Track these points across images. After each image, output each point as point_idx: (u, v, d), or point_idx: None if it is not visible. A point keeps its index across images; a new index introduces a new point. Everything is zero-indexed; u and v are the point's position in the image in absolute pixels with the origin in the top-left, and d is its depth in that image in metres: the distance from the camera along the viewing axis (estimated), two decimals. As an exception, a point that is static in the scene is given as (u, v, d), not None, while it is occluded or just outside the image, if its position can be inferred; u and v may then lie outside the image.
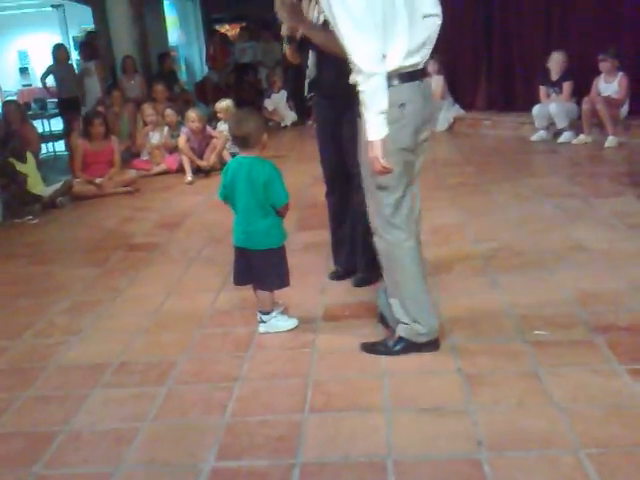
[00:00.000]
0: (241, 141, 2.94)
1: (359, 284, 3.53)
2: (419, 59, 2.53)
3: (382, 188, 2.59)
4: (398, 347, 2.76)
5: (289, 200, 2.97)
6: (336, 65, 2.96)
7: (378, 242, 2.72)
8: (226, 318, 3.32)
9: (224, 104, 7.43)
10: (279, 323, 3.09)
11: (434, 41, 2.58)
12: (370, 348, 2.82)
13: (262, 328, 3.10)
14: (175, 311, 3.48)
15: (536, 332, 2.83)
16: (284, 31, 3.26)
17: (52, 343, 3.22)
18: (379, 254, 2.75)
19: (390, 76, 2.42)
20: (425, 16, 2.53)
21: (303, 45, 3.24)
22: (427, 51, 2.57)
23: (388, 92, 2.38)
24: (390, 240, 2.67)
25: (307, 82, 3.28)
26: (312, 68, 3.23)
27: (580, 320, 2.91)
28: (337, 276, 3.66)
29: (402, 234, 2.66)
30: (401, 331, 2.76)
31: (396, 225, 2.64)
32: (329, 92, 3.24)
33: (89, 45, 9.88)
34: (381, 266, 2.77)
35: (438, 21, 2.57)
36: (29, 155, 6.18)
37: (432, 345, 2.76)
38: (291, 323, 3.11)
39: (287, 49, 3.35)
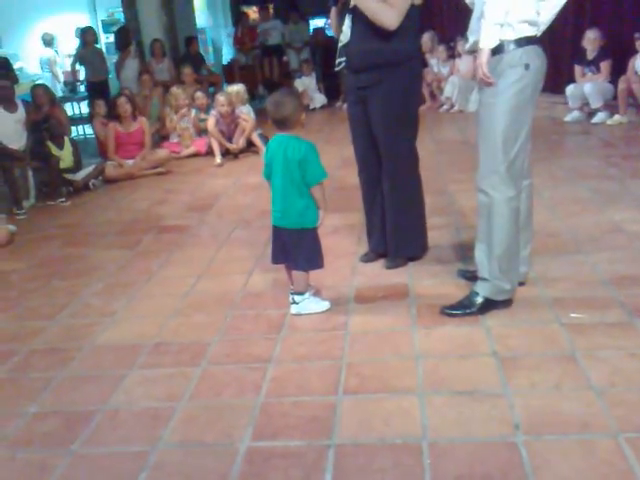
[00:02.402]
0: (280, 123, 2.94)
1: (390, 266, 3.51)
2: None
3: (503, 141, 2.69)
4: (478, 306, 2.87)
5: (325, 179, 2.95)
6: (367, 35, 3.12)
7: (482, 197, 2.81)
8: (258, 300, 3.33)
9: (235, 88, 7.46)
10: (311, 305, 3.09)
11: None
12: (449, 312, 2.91)
13: (294, 310, 3.10)
14: (207, 293, 3.50)
15: (572, 315, 2.79)
16: None
17: (87, 324, 3.26)
18: (479, 209, 2.85)
19: (518, 40, 2.63)
20: None
21: (343, 10, 3.25)
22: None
23: (514, 53, 2.62)
24: (496, 196, 2.75)
25: (339, 46, 3.27)
26: (346, 33, 3.22)
27: (617, 303, 2.86)
28: (368, 259, 3.66)
29: (510, 190, 2.74)
30: (481, 289, 2.87)
31: (505, 181, 2.73)
32: (358, 63, 3.24)
33: (126, 31, 9.81)
34: (480, 220, 2.86)
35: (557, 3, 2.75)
36: (67, 140, 6.24)
37: (508, 302, 2.89)
38: (324, 305, 3.11)
39: (332, 11, 3.38)
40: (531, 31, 2.67)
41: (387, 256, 3.57)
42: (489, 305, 2.87)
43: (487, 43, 2.64)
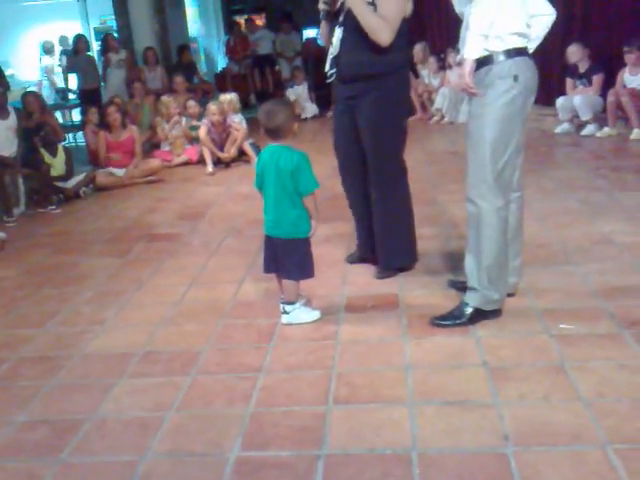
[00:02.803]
0: (272, 133, 2.95)
1: (380, 277, 3.52)
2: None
3: (491, 152, 2.71)
4: (467, 316, 2.88)
5: (317, 188, 2.96)
6: (357, 47, 3.18)
7: (471, 207, 2.82)
8: (248, 309, 3.33)
9: (228, 97, 7.49)
10: (302, 315, 3.09)
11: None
12: (438, 323, 2.91)
13: (285, 319, 3.10)
14: (198, 301, 3.49)
15: (562, 326, 2.81)
16: (322, 5, 3.32)
17: (77, 332, 3.25)
18: (468, 219, 2.87)
19: (507, 51, 2.67)
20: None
21: (332, 22, 3.31)
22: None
23: (504, 65, 2.65)
24: (484, 207, 2.76)
25: (330, 58, 3.31)
26: (336, 44, 3.27)
27: (606, 314, 2.88)
28: (352, 259, 3.77)
29: (498, 200, 2.76)
30: (470, 300, 2.88)
31: (494, 190, 2.74)
32: (347, 73, 3.28)
33: (113, 37, 9.90)
34: (469, 230, 2.88)
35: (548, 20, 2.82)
36: (60, 148, 6.23)
37: (498, 312, 2.91)
38: (314, 315, 3.11)
39: (322, 24, 3.43)
40: (521, 43, 2.70)
41: (377, 265, 3.58)
42: (479, 315, 2.88)
43: (471, 53, 2.67)
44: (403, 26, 3.22)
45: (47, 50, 12.41)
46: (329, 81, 3.39)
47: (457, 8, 2.88)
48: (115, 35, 10.61)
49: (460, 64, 2.82)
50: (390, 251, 3.52)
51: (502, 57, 2.67)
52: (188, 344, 3.00)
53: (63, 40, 13.07)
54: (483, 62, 2.69)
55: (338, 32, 3.25)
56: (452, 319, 2.91)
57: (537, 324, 2.86)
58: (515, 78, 2.67)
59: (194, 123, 7.42)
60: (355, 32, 3.18)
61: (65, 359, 2.96)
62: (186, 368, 2.77)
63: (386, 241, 3.50)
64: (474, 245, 2.85)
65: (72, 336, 3.20)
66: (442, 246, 3.96)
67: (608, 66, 6.84)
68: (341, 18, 3.24)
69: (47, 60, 12.35)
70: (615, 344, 2.63)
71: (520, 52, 2.70)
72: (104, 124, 6.65)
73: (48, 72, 12.34)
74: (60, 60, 12.74)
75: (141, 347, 3.01)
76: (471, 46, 2.66)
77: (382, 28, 3.13)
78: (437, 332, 2.87)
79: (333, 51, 3.28)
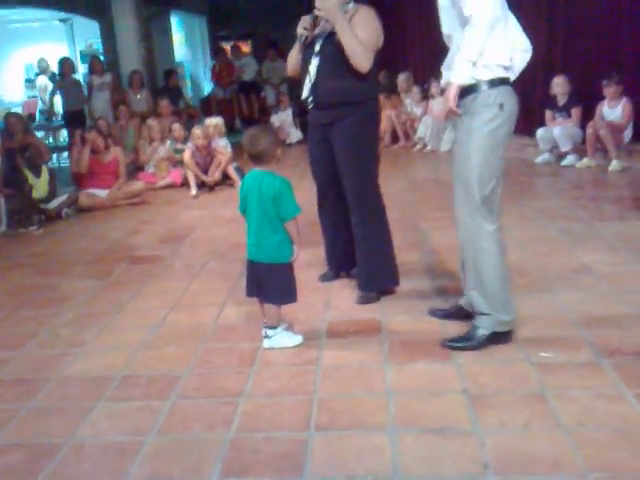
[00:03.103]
0: (256, 158, 2.97)
1: (362, 302, 3.54)
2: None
3: (479, 179, 2.76)
4: (479, 339, 2.88)
5: (298, 214, 2.98)
6: (335, 73, 3.30)
7: (464, 234, 2.85)
8: (230, 333, 3.31)
9: (214, 121, 7.55)
10: (284, 339, 3.09)
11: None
12: (450, 345, 2.90)
13: (267, 344, 3.09)
14: (179, 325, 3.47)
15: (542, 354, 2.83)
16: (301, 30, 3.41)
17: (55, 355, 3.21)
18: (463, 247, 2.89)
19: (492, 80, 2.74)
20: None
21: (307, 52, 3.42)
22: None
23: (490, 93, 2.72)
24: (477, 232, 2.79)
25: (307, 85, 3.40)
26: (313, 73, 3.36)
27: (585, 343, 2.90)
28: (326, 278, 3.86)
29: (490, 225, 2.80)
30: (481, 323, 2.88)
31: (484, 215, 2.78)
32: (325, 100, 3.37)
33: (98, 60, 9.96)
34: (467, 255, 2.89)
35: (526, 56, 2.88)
36: (44, 169, 6.20)
37: (509, 335, 2.92)
38: (296, 340, 3.11)
39: (295, 48, 3.50)
40: (505, 73, 2.77)
41: (359, 290, 3.60)
42: (491, 338, 2.88)
43: (458, 79, 2.72)
44: (375, 57, 3.36)
45: (43, 69, 12.45)
46: (308, 107, 3.46)
47: (445, 30, 2.91)
48: (101, 58, 10.67)
49: (444, 89, 2.86)
50: (372, 274, 3.56)
51: (487, 86, 2.73)
52: (168, 368, 2.97)
53: (42, 62, 13.14)
54: (469, 90, 2.75)
55: (314, 61, 3.36)
56: (463, 341, 2.91)
57: (518, 352, 2.88)
58: (501, 107, 2.74)
59: (179, 146, 7.44)
60: (332, 60, 3.30)
61: (43, 382, 2.92)
62: (165, 392, 2.75)
63: (368, 264, 3.55)
64: (474, 272, 2.87)
65: (50, 359, 3.16)
66: (425, 272, 3.98)
67: (587, 98, 6.99)
68: (317, 47, 3.36)
69: (42, 79, 12.38)
70: (594, 373, 2.65)
71: (504, 81, 2.77)
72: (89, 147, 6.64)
73: (40, 91, 12.37)
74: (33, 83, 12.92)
75: (120, 370, 2.97)
76: (460, 71, 2.71)
77: (364, 55, 3.25)
78: (418, 358, 2.88)
79: (310, 79, 3.38)
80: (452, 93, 2.74)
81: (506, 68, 2.77)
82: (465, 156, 2.79)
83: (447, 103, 2.78)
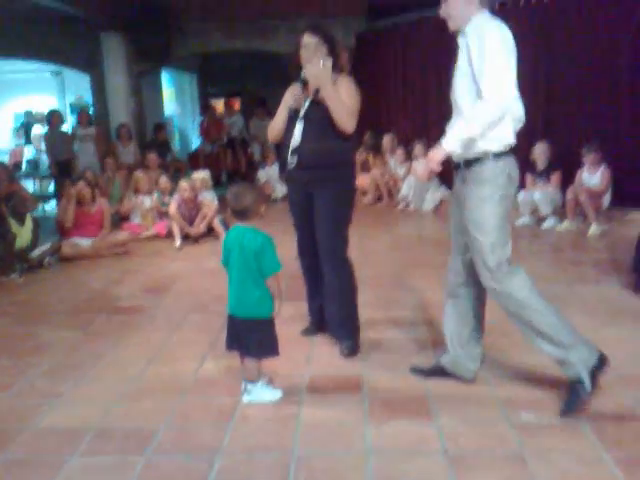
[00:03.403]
0: (239, 214, 3.01)
1: (347, 355, 3.58)
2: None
3: (496, 242, 2.81)
4: (586, 383, 2.78)
5: (280, 270, 3.00)
6: (319, 136, 3.45)
7: (498, 296, 2.86)
8: (209, 387, 3.28)
9: (201, 174, 7.65)
10: (264, 394, 3.06)
11: None
12: (567, 411, 2.80)
13: (246, 398, 3.06)
14: (158, 378, 3.43)
15: (522, 415, 2.83)
16: (291, 99, 3.53)
17: (31, 405, 3.14)
18: (505, 308, 2.88)
19: (500, 152, 2.81)
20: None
21: (293, 116, 3.54)
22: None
23: (497, 163, 2.78)
24: (509, 285, 2.81)
25: (291, 149, 3.51)
26: (297, 137, 3.49)
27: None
28: (308, 332, 3.91)
29: (514, 276, 2.82)
30: (572, 372, 2.80)
31: (505, 273, 2.81)
32: (309, 162, 3.48)
33: (86, 113, 10.15)
34: (511, 314, 2.88)
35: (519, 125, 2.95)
36: (28, 217, 6.18)
37: (604, 361, 2.82)
38: (276, 394, 3.08)
39: (281, 115, 3.59)
40: (511, 145, 2.85)
41: (341, 343, 3.65)
42: (593, 374, 2.79)
43: (449, 146, 2.76)
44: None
45: (37, 120, 12.64)
46: (290, 168, 3.55)
47: (456, 92, 2.91)
48: (89, 111, 10.86)
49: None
50: (351, 329, 3.67)
51: (496, 157, 2.80)
52: (145, 422, 2.93)
53: (28, 114, 13.35)
54: (477, 160, 2.81)
55: (299, 124, 3.49)
56: (575, 396, 2.81)
57: (498, 412, 2.88)
58: (509, 176, 2.83)
59: (166, 200, 7.49)
60: (317, 125, 3.46)
61: (16, 433, 2.86)
62: (141, 447, 2.70)
63: (345, 321, 3.66)
64: (529, 328, 2.84)
65: (26, 409, 3.10)
66: (408, 330, 3.99)
67: (568, 164, 7.17)
68: (302, 113, 3.50)
69: (37, 129, 12.56)
70: (574, 435, 2.66)
71: (510, 152, 2.85)
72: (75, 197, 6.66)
73: (35, 141, 12.53)
74: (18, 132, 13.09)
75: (96, 423, 2.92)
76: (454, 141, 2.74)
77: (350, 117, 3.43)
78: (399, 416, 2.86)
79: (294, 142, 3.50)
80: (438, 157, 2.77)
81: (512, 138, 2.86)
82: (479, 224, 2.83)
83: (430, 164, 2.81)
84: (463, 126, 2.74)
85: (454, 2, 2.85)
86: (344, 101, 3.42)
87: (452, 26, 2.90)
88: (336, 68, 3.50)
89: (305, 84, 3.48)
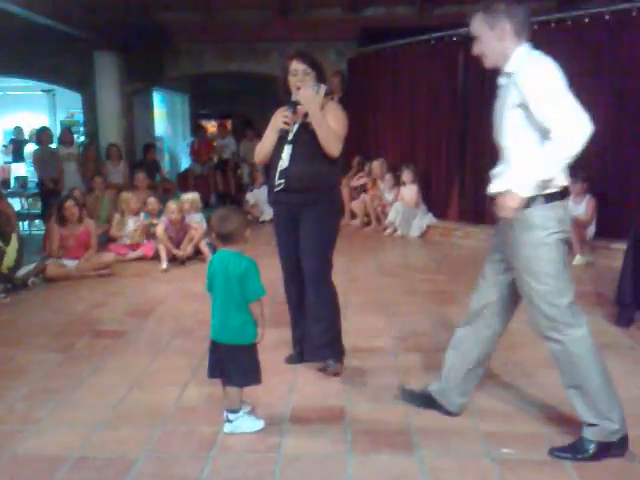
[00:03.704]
0: (225, 238, 3.01)
1: (334, 374, 3.65)
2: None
3: (556, 289, 2.68)
4: (591, 452, 2.71)
5: (263, 296, 2.99)
6: (308, 160, 3.51)
7: (554, 345, 2.74)
8: (191, 415, 3.25)
9: (190, 196, 7.65)
10: (245, 424, 3.03)
11: None
12: (556, 454, 2.76)
13: (227, 428, 3.03)
14: (138, 404, 3.39)
15: (504, 450, 2.82)
16: (280, 122, 3.54)
17: (8, 431, 3.10)
18: (555, 357, 2.77)
19: (557, 192, 2.67)
20: None
21: (281, 139, 3.58)
22: None
23: (550, 206, 2.65)
24: (567, 339, 2.69)
25: (279, 171, 3.55)
26: (285, 159, 3.54)
27: (547, 440, 2.90)
28: (292, 361, 3.89)
29: (578, 330, 2.70)
30: (591, 435, 2.72)
31: (569, 322, 2.70)
32: (297, 185, 3.53)
33: (69, 132, 10.16)
34: (557, 361, 2.77)
35: None
36: (13, 237, 6.13)
37: (623, 445, 2.72)
38: (258, 424, 3.05)
39: (269, 138, 3.62)
40: (564, 186, 2.71)
41: (326, 364, 3.68)
42: (603, 450, 2.71)
43: (523, 191, 2.60)
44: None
45: (28, 137, 12.69)
46: (276, 190, 3.58)
47: (500, 137, 2.79)
48: (71, 129, 10.93)
49: (493, 197, 2.77)
50: (339, 344, 3.73)
51: (548, 200, 2.66)
52: (124, 450, 2.89)
53: (17, 130, 13.35)
54: (529, 202, 2.64)
55: (287, 148, 3.54)
56: (573, 452, 2.74)
57: (480, 447, 2.86)
58: (560, 221, 2.68)
59: (153, 221, 7.47)
60: (305, 148, 3.52)
61: (-8, 460, 2.81)
62: (120, 477, 2.66)
63: (331, 337, 3.69)
64: (574, 381, 2.73)
65: (2, 435, 3.05)
66: (392, 359, 3.98)
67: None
68: (290, 136, 3.55)
69: (31, 147, 12.56)
70: (554, 471, 2.65)
71: (562, 194, 2.71)
72: (61, 216, 6.62)
73: (29, 158, 12.56)
74: (6, 149, 13.09)
75: (74, 451, 2.88)
76: (527, 185, 2.59)
77: (336, 141, 3.51)
78: (381, 449, 2.85)
79: (282, 164, 3.54)
80: (514, 204, 2.61)
81: (564, 179, 2.72)
82: (533, 272, 2.69)
83: (505, 212, 2.65)
84: (536, 171, 2.59)
85: (487, 40, 2.71)
86: (331, 126, 3.49)
87: (488, 64, 2.78)
88: (324, 93, 3.56)
89: (295, 108, 3.52)
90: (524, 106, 2.60)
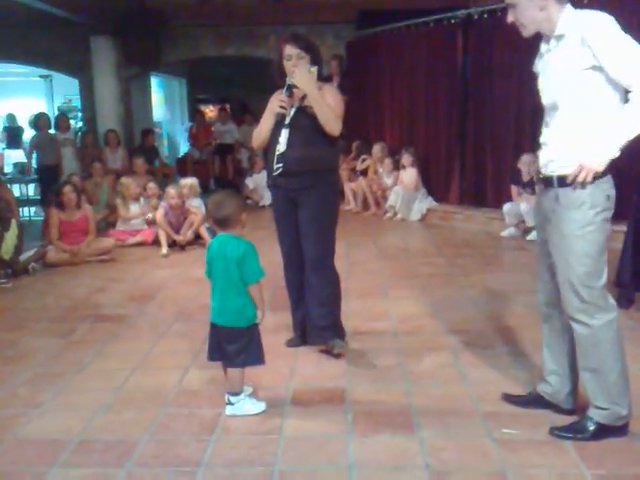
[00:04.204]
0: (221, 222, 3.01)
1: (338, 353, 3.68)
2: None
3: (594, 270, 2.62)
4: (591, 432, 2.72)
5: (262, 277, 3.00)
6: (305, 143, 3.50)
7: (581, 328, 2.68)
8: (192, 398, 3.26)
9: (189, 181, 7.62)
10: (247, 406, 3.05)
11: None
12: (557, 433, 2.75)
13: (229, 410, 3.05)
14: (140, 388, 3.40)
15: (504, 430, 2.83)
16: (277, 106, 3.52)
17: (11, 415, 3.11)
18: (579, 340, 2.71)
19: (605, 169, 2.57)
20: None
21: (277, 124, 3.58)
22: None
23: (599, 185, 2.57)
24: (596, 323, 2.65)
25: (276, 155, 3.55)
26: (283, 143, 3.53)
27: (548, 420, 2.91)
28: (293, 344, 3.89)
29: (607, 314, 2.66)
30: (597, 416, 2.71)
31: (600, 305, 2.65)
32: (295, 169, 3.52)
33: (65, 118, 10.11)
34: (579, 345, 2.73)
35: None
36: (13, 223, 6.11)
37: (624, 429, 2.73)
38: (259, 407, 3.07)
39: (267, 121, 3.61)
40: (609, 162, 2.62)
41: (327, 343, 3.70)
42: (603, 432, 2.71)
43: (615, 153, 2.54)
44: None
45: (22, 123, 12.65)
46: (275, 174, 3.57)
47: (554, 94, 2.67)
48: (67, 115, 10.85)
49: (540, 171, 2.79)
50: (340, 326, 3.78)
51: (598, 177, 2.58)
52: (126, 433, 2.90)
53: (10, 118, 13.28)
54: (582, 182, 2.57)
55: (284, 132, 3.53)
56: (573, 432, 2.74)
57: (480, 427, 2.88)
58: (608, 198, 2.62)
59: (154, 201, 7.48)
60: (303, 132, 3.52)
61: (-5, 443, 2.83)
62: (122, 459, 2.68)
63: (333, 320, 3.72)
64: (592, 363, 2.69)
65: (5, 419, 3.07)
66: (391, 341, 3.99)
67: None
68: (288, 120, 3.54)
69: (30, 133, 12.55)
70: (556, 451, 2.66)
71: (608, 171, 2.62)
72: (59, 202, 6.60)
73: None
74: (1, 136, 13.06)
75: (77, 434, 2.90)
76: (606, 156, 2.53)
77: (337, 120, 3.52)
78: (382, 430, 2.86)
79: (280, 148, 3.53)
80: (600, 167, 2.54)
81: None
82: (576, 251, 2.62)
83: (588, 174, 2.53)
84: (623, 129, 2.49)
85: (525, 10, 2.61)
86: (330, 105, 3.49)
87: (526, 33, 2.68)
88: (320, 76, 3.56)
89: (291, 92, 3.51)
90: (597, 67, 2.51)
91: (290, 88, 3.51)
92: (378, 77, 9.59)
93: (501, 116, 7.87)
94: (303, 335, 3.88)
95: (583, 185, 2.57)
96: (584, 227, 2.60)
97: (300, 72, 3.48)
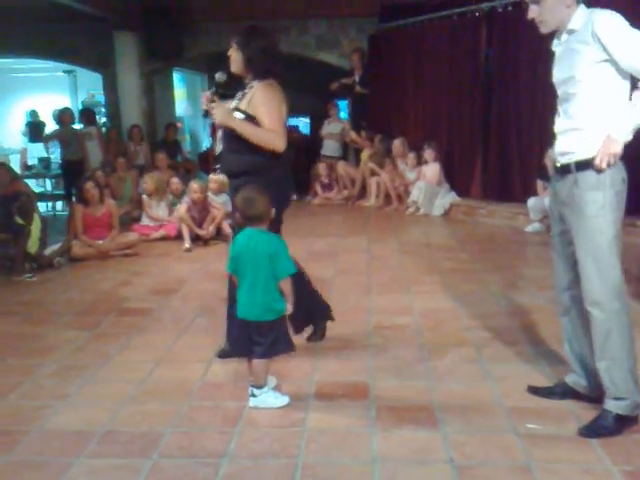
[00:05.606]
0: (253, 219, 3.02)
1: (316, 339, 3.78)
2: None
3: (610, 254, 2.66)
4: (613, 426, 2.72)
5: (294, 272, 3.01)
6: (233, 144, 3.38)
7: (598, 315, 2.70)
8: (216, 390, 3.28)
9: (220, 177, 7.62)
10: (270, 399, 3.06)
11: None
12: (585, 432, 2.73)
13: (252, 402, 3.06)
14: (164, 380, 3.43)
15: (528, 425, 2.81)
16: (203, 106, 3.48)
17: (37, 406, 3.16)
18: (595, 329, 2.72)
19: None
20: None
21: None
22: None
23: (615, 168, 2.66)
24: (615, 310, 2.68)
25: (217, 154, 3.50)
26: (218, 143, 3.52)
27: (573, 416, 2.89)
28: (224, 354, 3.62)
29: (621, 302, 2.69)
30: (616, 408, 2.72)
31: (620, 294, 2.69)
32: (225, 169, 3.54)
33: (88, 112, 10.21)
34: (598, 339, 2.72)
35: None
36: (36, 217, 6.19)
37: (636, 418, 2.76)
38: (282, 400, 3.08)
39: (209, 94, 3.50)
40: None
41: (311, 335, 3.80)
42: (623, 422, 2.72)
43: (625, 137, 2.63)
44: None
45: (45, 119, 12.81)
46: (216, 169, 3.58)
47: (567, 88, 2.77)
48: (94, 110, 10.94)
49: (555, 158, 2.86)
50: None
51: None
52: (151, 425, 2.93)
53: (34, 114, 13.44)
54: (590, 163, 2.66)
55: (220, 132, 3.52)
56: (597, 430, 2.73)
57: (504, 422, 2.86)
58: (623, 180, 2.69)
59: (174, 201, 7.53)
60: (230, 134, 3.40)
61: (22, 434, 2.87)
62: (147, 451, 2.70)
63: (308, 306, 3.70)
64: (608, 352, 2.70)
65: (32, 410, 3.12)
66: (414, 336, 3.98)
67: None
68: (218, 125, 3.50)
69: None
70: (581, 447, 2.64)
71: (622, 156, 2.68)
72: (82, 198, 6.67)
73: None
74: (24, 131, 13.23)
75: (102, 426, 2.93)
76: (629, 130, 2.63)
77: (274, 139, 3.33)
78: (405, 425, 2.86)
79: (219, 148, 3.53)
80: (617, 151, 2.62)
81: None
82: (598, 233, 2.66)
83: (610, 158, 2.62)
84: (637, 114, 2.61)
85: (552, 6, 2.69)
86: (265, 124, 3.30)
87: (545, 29, 2.76)
88: (253, 74, 3.43)
89: (217, 89, 3.46)
90: (608, 60, 2.61)
91: (217, 86, 3.45)
92: (401, 71, 9.54)
93: (526, 110, 7.79)
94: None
95: (603, 169, 2.64)
96: (604, 207, 2.66)
97: (218, 112, 3.37)
